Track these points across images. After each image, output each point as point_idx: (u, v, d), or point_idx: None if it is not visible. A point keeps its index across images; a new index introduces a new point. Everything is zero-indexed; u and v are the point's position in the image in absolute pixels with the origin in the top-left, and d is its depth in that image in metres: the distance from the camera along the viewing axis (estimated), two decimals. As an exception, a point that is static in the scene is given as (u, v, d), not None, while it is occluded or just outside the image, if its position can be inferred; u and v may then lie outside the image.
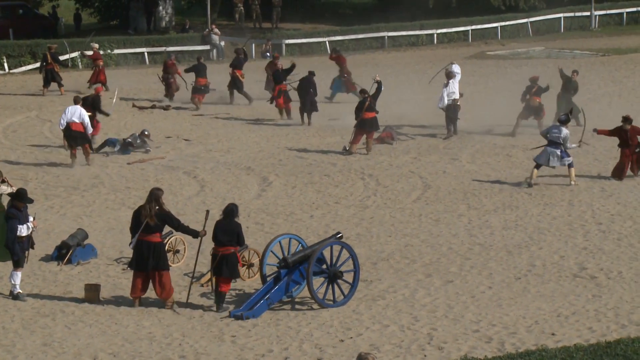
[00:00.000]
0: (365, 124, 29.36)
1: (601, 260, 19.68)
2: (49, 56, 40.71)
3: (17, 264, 18.10)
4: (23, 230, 18.07)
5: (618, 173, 25.97)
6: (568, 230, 21.80)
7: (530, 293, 17.97)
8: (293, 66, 35.48)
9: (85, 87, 40.30)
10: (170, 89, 38.88)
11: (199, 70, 37.77)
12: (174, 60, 39.48)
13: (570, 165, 25.43)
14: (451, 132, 31.71)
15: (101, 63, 42.16)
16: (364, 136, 29.68)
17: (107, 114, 31.14)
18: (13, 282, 18.12)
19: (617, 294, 17.79)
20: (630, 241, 20.89)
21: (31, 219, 18.43)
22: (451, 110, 31.54)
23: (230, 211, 17.71)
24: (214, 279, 18.00)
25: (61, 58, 43.82)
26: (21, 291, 18.13)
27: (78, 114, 28.33)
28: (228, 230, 17.55)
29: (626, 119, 26.07)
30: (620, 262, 19.53)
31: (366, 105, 29.27)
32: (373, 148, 29.86)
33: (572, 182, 25.38)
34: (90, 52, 42.97)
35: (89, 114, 29.10)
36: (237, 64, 37.86)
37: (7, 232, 18.09)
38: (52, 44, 43.76)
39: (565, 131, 25.30)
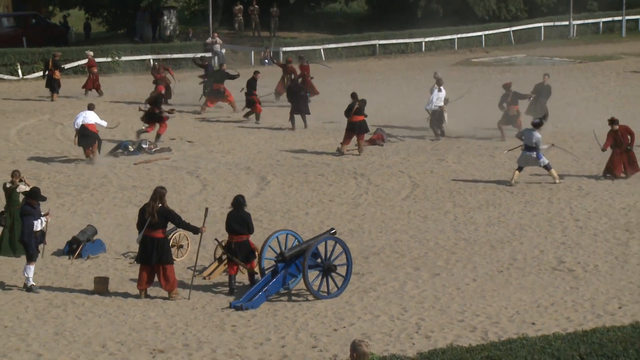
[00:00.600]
0: (354, 127, 29.43)
1: (578, 255, 19.72)
2: (50, 63, 40.57)
3: (31, 258, 18.13)
4: (37, 226, 18.16)
5: (609, 171, 25.89)
6: (547, 226, 21.83)
7: (512, 285, 18.00)
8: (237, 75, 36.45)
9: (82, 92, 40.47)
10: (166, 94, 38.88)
11: (210, 75, 38.12)
12: (162, 74, 39.37)
13: (547, 167, 25.42)
14: (438, 134, 31.75)
15: (95, 70, 42.14)
16: (354, 137, 29.72)
17: (169, 112, 32.22)
18: (27, 275, 18.14)
19: (593, 286, 17.83)
20: (605, 236, 20.93)
21: (43, 214, 18.50)
22: (436, 116, 31.61)
23: (239, 202, 18.06)
24: (223, 266, 18.27)
25: (72, 65, 43.85)
26: (34, 284, 18.14)
27: (91, 117, 28.80)
28: (239, 220, 17.94)
29: (613, 121, 25.98)
30: (596, 256, 19.57)
31: (354, 109, 29.31)
32: (365, 149, 29.88)
33: (557, 181, 25.36)
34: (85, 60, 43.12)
35: (154, 110, 30.88)
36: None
37: (23, 227, 18.12)
38: (57, 52, 43.64)
39: (537, 135, 25.25)
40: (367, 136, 30.24)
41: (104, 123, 29.26)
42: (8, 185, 20.55)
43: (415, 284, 18.19)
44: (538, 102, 31.90)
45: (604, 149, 25.98)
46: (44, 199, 18.77)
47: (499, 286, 17.95)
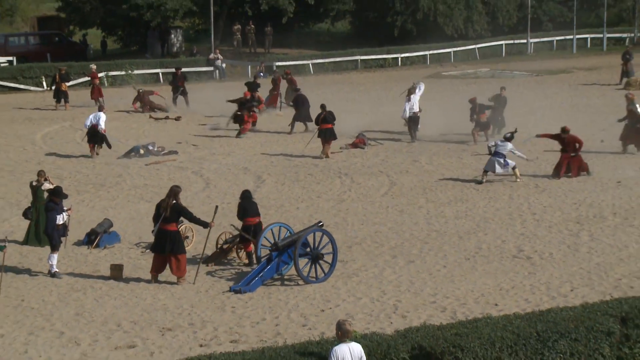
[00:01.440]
0: (323, 134, 29.47)
1: (535, 244, 19.75)
2: (57, 76, 40.36)
3: (54, 248, 18.08)
4: (60, 220, 18.13)
5: (556, 172, 26.05)
6: (508, 219, 21.86)
7: (477, 271, 18.02)
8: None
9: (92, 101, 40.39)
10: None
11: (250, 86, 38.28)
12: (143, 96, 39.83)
13: (514, 167, 25.51)
14: (414, 138, 31.79)
15: (97, 82, 42.02)
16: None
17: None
18: (51, 263, 18.09)
19: (549, 272, 17.86)
20: (559, 228, 20.97)
21: (65, 209, 18.47)
22: (412, 121, 31.68)
23: (249, 194, 18.80)
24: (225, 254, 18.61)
25: (89, 78, 43.69)
26: (57, 270, 18.09)
27: (99, 119, 29.55)
28: (254, 206, 18.60)
29: (564, 130, 26.15)
30: (551, 246, 19.61)
31: (321, 117, 29.35)
32: (348, 152, 29.88)
33: (518, 180, 25.41)
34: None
35: (239, 113, 32.61)
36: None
37: (47, 222, 18.09)
38: (63, 67, 43.47)
39: (510, 146, 25.37)
40: (349, 140, 30.20)
41: (103, 127, 29.49)
42: (34, 184, 20.49)
43: (392, 270, 18.20)
44: (497, 111, 31.98)
45: (538, 135, 26.80)
46: (65, 196, 18.74)
47: (466, 272, 17.97)
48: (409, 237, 20.51)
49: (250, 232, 18.42)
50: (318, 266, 17.60)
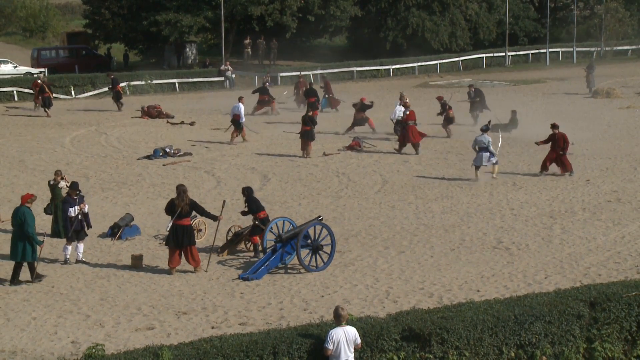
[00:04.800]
0: (302, 135, 29.56)
1: (513, 236, 19.70)
2: (45, 86, 39.69)
3: (69, 239, 17.97)
4: (72, 212, 17.95)
5: (544, 167, 25.90)
6: (489, 214, 21.81)
7: (461, 260, 17.97)
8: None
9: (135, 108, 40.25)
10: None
11: (261, 90, 39.66)
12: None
13: (495, 163, 25.44)
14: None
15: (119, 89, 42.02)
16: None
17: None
18: (65, 253, 18.03)
19: (525, 261, 17.82)
20: (534, 222, 20.91)
21: (79, 204, 18.23)
22: (400, 125, 31.77)
23: (252, 191, 18.70)
24: (234, 246, 18.53)
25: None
26: (69, 257, 17.95)
27: (239, 108, 31.83)
28: (258, 201, 18.52)
29: (554, 126, 25.86)
30: (527, 238, 19.56)
31: (303, 119, 29.58)
32: (344, 153, 29.91)
33: (494, 176, 25.34)
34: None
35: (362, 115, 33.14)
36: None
37: (62, 213, 17.91)
38: (45, 77, 43.30)
39: (487, 137, 25.22)
40: (347, 142, 30.22)
41: (242, 112, 31.59)
42: (52, 182, 20.35)
43: (385, 259, 18.15)
44: (478, 104, 34.69)
45: (537, 143, 26.28)
46: (79, 190, 18.50)
47: (451, 261, 17.92)
48: (399, 230, 20.46)
49: (264, 223, 18.32)
50: (318, 256, 17.56)
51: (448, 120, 32.55)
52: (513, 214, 21.77)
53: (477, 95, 35.65)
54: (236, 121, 32.06)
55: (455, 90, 43.72)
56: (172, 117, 38.78)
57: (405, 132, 29.69)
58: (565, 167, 25.78)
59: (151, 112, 39.12)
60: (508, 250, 18.64)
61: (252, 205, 18.43)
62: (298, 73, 48.90)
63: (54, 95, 42.23)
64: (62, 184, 19.97)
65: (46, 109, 39.43)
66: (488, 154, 25.11)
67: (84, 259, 18.08)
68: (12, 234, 16.89)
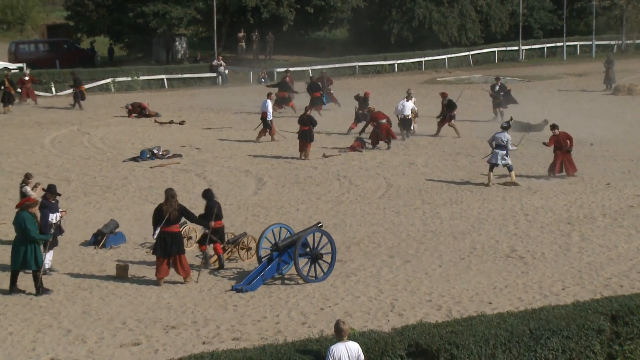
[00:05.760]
0: (300, 135, 29.56)
1: (528, 244, 19.67)
2: (6, 81, 40.16)
3: (46, 246, 17.91)
4: (53, 218, 17.90)
5: (551, 170, 25.99)
6: (502, 220, 21.78)
7: (472, 270, 17.94)
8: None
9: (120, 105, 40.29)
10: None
11: (281, 86, 39.58)
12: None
13: (509, 168, 25.36)
14: (404, 136, 32.51)
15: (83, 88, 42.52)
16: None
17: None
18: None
19: (541, 271, 17.78)
20: (551, 229, 20.89)
21: (60, 210, 18.22)
22: (403, 123, 32.56)
23: (212, 194, 18.62)
24: (226, 254, 18.48)
25: (98, 84, 43.75)
26: (48, 267, 17.88)
27: (267, 105, 32.16)
28: (218, 208, 18.31)
29: (553, 126, 26.06)
30: (543, 245, 19.53)
31: (301, 119, 29.63)
32: (346, 155, 29.96)
33: (515, 181, 25.27)
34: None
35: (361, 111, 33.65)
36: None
37: (40, 219, 17.78)
38: (8, 72, 43.68)
39: (507, 135, 25.34)
40: (347, 143, 30.29)
41: (269, 110, 31.97)
42: (21, 185, 20.27)
43: (389, 269, 18.11)
44: (504, 98, 36.09)
45: (546, 143, 26.21)
46: (58, 194, 18.45)
47: (461, 271, 17.88)
48: (405, 238, 20.43)
49: (218, 234, 18.21)
50: (317, 266, 17.52)
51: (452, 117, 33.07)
52: (528, 220, 21.74)
53: (502, 90, 36.04)
54: (264, 119, 32.35)
55: (464, 87, 43.75)
56: (159, 116, 38.77)
57: (379, 130, 30.82)
58: (573, 166, 25.93)
59: (136, 110, 39.16)
60: (522, 259, 18.61)
61: (209, 211, 18.14)
62: (294, 69, 49.00)
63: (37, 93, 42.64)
64: (27, 188, 19.78)
65: (5, 105, 39.68)
66: (505, 153, 25.13)
67: (52, 268, 17.97)
68: (14, 240, 16.98)
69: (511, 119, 28.42)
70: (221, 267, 18.21)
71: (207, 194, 18.63)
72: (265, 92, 35.61)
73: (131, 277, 17.86)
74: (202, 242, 18.26)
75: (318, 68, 54.44)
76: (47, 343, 14.51)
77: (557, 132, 25.81)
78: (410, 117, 32.58)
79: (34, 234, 16.68)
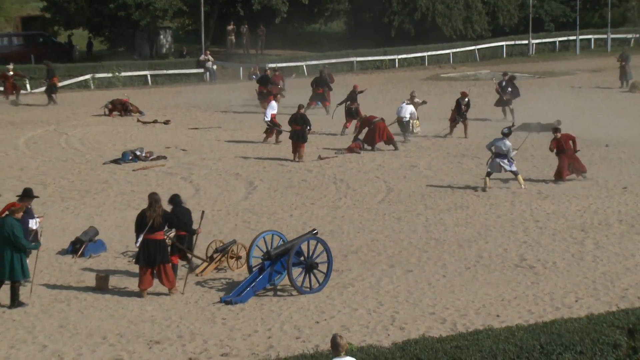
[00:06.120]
0: (292, 136, 29.75)
1: (538, 252, 19.69)
2: None
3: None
4: (33, 224, 17.84)
5: (559, 176, 26.04)
6: (510, 226, 21.81)
7: (478, 281, 17.95)
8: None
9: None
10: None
11: (262, 80, 40.01)
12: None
13: (515, 173, 25.44)
14: (405, 138, 32.69)
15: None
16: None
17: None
18: None
19: (552, 281, 17.80)
20: (563, 236, 20.91)
21: (37, 216, 18.17)
22: (404, 126, 32.84)
23: (180, 199, 18.68)
24: (214, 264, 18.60)
25: (76, 80, 43.81)
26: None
27: (270, 109, 32.42)
28: (187, 214, 18.35)
29: (555, 130, 26.17)
30: (554, 254, 19.55)
31: (294, 118, 29.71)
32: (343, 156, 30.01)
33: (523, 187, 25.32)
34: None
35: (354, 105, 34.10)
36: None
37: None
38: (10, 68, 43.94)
39: (508, 143, 25.29)
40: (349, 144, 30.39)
41: (268, 112, 32.13)
42: None
43: (390, 279, 18.12)
44: (511, 95, 36.30)
45: (551, 149, 26.27)
46: (35, 197, 18.39)
47: (467, 282, 17.90)
48: (406, 246, 20.44)
49: (184, 242, 18.19)
50: (312, 276, 17.52)
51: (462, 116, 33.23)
52: (538, 226, 21.77)
53: (509, 86, 36.19)
54: (272, 121, 32.64)
55: (471, 84, 43.84)
56: (142, 115, 38.79)
57: (374, 131, 31.05)
58: (579, 168, 25.97)
59: (117, 108, 39.15)
60: (533, 268, 18.63)
61: (179, 218, 17.99)
62: (287, 65, 49.06)
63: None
64: None
65: None
66: (506, 160, 25.08)
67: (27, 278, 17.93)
68: None
69: (513, 124, 28.48)
70: (191, 268, 18.43)
71: (175, 200, 18.55)
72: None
73: (112, 288, 17.85)
74: (172, 252, 18.13)
75: (313, 64, 54.58)
76: (21, 359, 14.48)
77: (558, 135, 25.90)
78: (406, 119, 32.63)
79: (24, 242, 16.62)
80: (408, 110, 32.83)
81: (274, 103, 32.72)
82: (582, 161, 26.42)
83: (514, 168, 25.36)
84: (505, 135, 25.50)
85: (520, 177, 25.51)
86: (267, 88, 39.45)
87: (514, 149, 25.76)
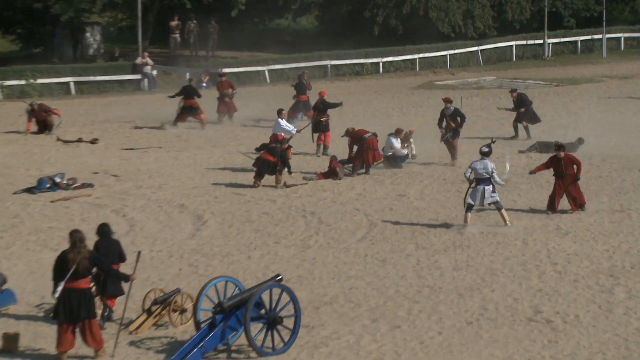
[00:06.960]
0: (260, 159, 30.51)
1: (557, 303, 19.72)
2: None
3: None
4: None
5: (550, 204, 26.17)
6: (522, 271, 21.85)
7: (482, 339, 17.95)
8: None
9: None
10: None
11: (187, 92, 40.27)
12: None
13: (498, 206, 25.12)
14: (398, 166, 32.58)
15: None
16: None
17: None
18: None
19: (574, 339, 17.83)
20: (587, 282, 20.96)
21: None
22: (390, 161, 32.87)
23: (105, 231, 18.99)
24: (152, 319, 18.60)
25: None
26: None
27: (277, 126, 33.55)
28: (116, 246, 18.81)
29: (559, 147, 26.30)
30: (577, 305, 19.58)
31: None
32: (315, 183, 30.11)
33: (508, 223, 25.19)
34: None
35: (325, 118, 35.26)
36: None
37: None
38: None
39: (490, 164, 25.14)
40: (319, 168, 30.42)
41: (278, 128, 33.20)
42: None
43: (372, 337, 18.09)
44: (525, 113, 36.70)
45: (532, 172, 26.94)
46: None
47: (468, 340, 17.89)
48: (393, 295, 20.42)
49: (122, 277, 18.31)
50: (276, 333, 17.46)
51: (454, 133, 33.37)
52: (556, 270, 21.83)
53: (521, 104, 36.56)
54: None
55: (465, 94, 44.06)
56: (60, 124, 38.62)
57: (366, 150, 31.72)
58: (576, 200, 26.23)
59: (39, 117, 38.76)
60: (550, 323, 18.66)
61: (102, 254, 18.10)
62: (246, 69, 49.16)
63: None
64: None
65: None
66: (490, 187, 24.90)
67: None
68: None
69: (493, 141, 28.66)
70: (108, 317, 18.58)
71: (103, 230, 18.84)
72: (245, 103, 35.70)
73: (23, 350, 17.69)
74: (104, 290, 18.28)
75: (277, 68, 54.69)
76: None
77: (561, 154, 26.00)
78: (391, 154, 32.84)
79: None
80: (393, 145, 32.62)
81: (279, 120, 33.55)
82: (611, 188, 26.64)
83: (496, 198, 25.19)
84: (485, 154, 25.35)
85: (504, 212, 25.23)
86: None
87: (502, 173, 25.76)
